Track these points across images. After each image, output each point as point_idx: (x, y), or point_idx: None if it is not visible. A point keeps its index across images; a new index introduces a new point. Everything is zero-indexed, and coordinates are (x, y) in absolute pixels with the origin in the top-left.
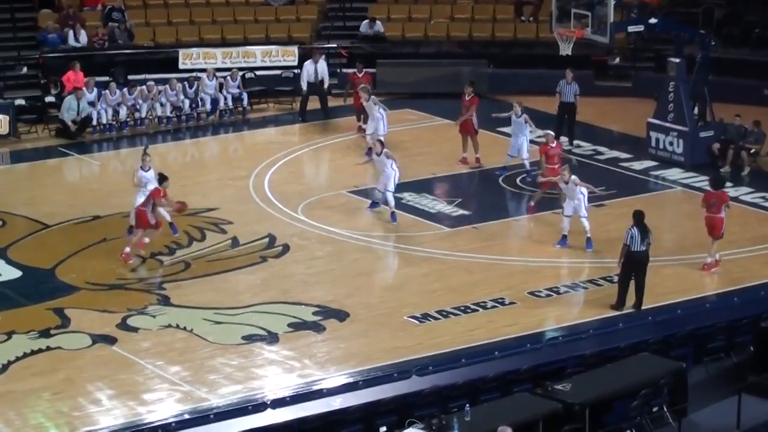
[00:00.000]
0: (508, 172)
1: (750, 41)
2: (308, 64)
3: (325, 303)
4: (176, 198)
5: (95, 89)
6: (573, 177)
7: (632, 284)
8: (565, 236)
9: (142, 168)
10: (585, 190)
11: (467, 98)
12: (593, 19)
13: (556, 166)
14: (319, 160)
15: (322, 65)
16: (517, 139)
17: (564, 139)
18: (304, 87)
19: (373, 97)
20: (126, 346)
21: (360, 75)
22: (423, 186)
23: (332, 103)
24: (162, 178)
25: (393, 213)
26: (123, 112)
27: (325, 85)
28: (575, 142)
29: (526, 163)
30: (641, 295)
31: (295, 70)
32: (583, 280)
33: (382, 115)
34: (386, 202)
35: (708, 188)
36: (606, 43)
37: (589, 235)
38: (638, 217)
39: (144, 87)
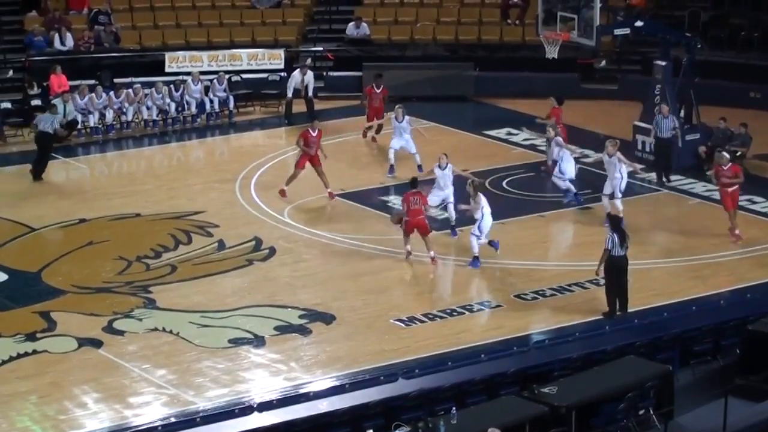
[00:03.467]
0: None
1: (736, 44)
2: (296, 74)
3: (312, 306)
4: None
5: (104, 94)
6: (618, 153)
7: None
8: (609, 214)
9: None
10: (625, 171)
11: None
12: (579, 22)
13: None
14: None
15: (309, 76)
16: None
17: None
18: (290, 94)
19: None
20: (112, 349)
21: (378, 90)
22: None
23: (318, 106)
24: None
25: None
26: (109, 115)
27: (310, 94)
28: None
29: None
30: (626, 299)
31: (282, 74)
32: (569, 283)
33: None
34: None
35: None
36: (592, 46)
37: (621, 214)
38: (615, 222)
39: (130, 90)
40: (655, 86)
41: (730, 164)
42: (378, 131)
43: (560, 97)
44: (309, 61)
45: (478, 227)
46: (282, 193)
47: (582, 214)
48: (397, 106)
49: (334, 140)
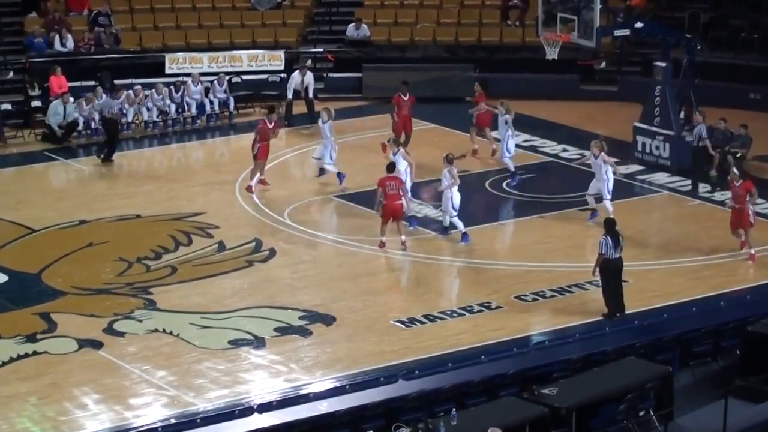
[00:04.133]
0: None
1: (736, 45)
2: (296, 75)
3: (312, 307)
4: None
5: (104, 95)
6: (602, 154)
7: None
8: (594, 210)
9: None
10: (611, 175)
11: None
12: (579, 24)
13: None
14: (305, 165)
15: (309, 77)
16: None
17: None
18: (290, 95)
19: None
20: (112, 350)
21: (406, 98)
22: (409, 190)
23: (319, 107)
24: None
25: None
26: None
27: (310, 95)
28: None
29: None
30: (622, 300)
31: (282, 75)
32: (569, 284)
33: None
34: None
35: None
36: (592, 48)
37: (611, 213)
38: (610, 225)
39: (130, 92)
40: (655, 87)
41: (741, 181)
42: (406, 144)
43: (484, 80)
44: (309, 62)
45: (452, 206)
46: (249, 189)
47: (583, 215)
48: (323, 108)
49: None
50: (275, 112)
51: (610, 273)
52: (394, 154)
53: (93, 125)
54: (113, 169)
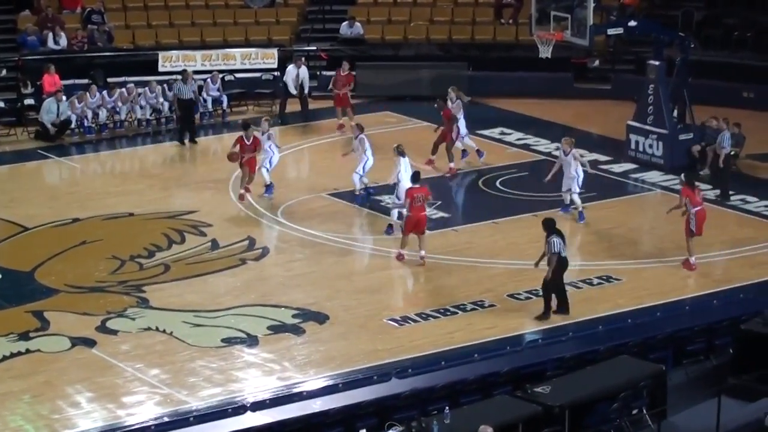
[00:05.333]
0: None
1: (729, 44)
2: (291, 69)
3: (305, 306)
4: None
5: (97, 93)
6: (573, 150)
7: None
8: (567, 205)
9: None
10: (581, 171)
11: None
12: (573, 22)
13: None
14: (298, 163)
15: (304, 71)
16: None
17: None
18: (294, 90)
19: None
20: (105, 348)
21: (451, 104)
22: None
23: (312, 105)
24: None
25: None
26: (102, 114)
27: (306, 91)
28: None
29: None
30: (566, 298)
31: (275, 73)
32: None
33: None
34: None
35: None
36: (585, 46)
37: (581, 209)
38: (551, 224)
39: (124, 89)
40: (648, 86)
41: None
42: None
43: (353, 64)
44: (303, 59)
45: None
46: (241, 197)
47: (575, 213)
48: (264, 119)
49: (327, 140)
50: (250, 128)
51: (561, 272)
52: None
53: (86, 123)
54: (106, 168)
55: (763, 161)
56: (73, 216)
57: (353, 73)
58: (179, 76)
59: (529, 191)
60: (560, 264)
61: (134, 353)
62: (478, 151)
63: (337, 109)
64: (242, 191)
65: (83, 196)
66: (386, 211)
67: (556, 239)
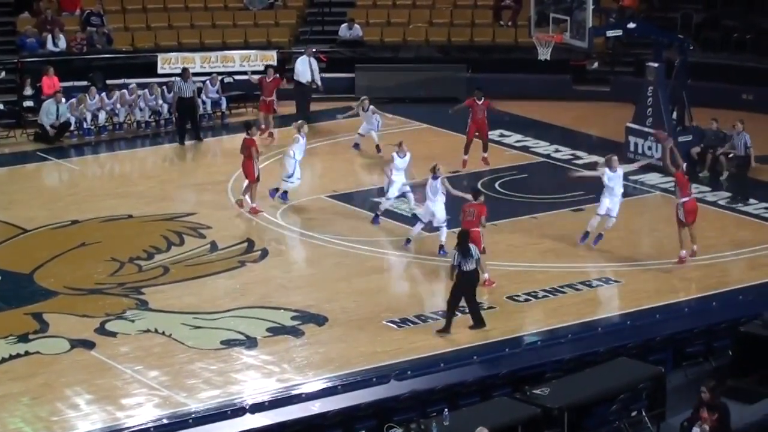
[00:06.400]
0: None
1: (728, 45)
2: (305, 58)
3: (304, 307)
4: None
5: (97, 95)
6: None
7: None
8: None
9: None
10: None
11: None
12: (572, 24)
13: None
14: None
15: (314, 63)
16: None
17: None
18: (318, 81)
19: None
20: (104, 350)
21: (480, 102)
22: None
23: (311, 107)
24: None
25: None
26: (102, 116)
27: (319, 83)
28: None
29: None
30: (479, 314)
31: (275, 75)
32: (561, 285)
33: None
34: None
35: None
36: (585, 48)
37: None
38: (461, 236)
39: (125, 90)
40: (647, 88)
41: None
42: (485, 149)
43: (277, 68)
44: (314, 50)
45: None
46: (254, 210)
47: (574, 215)
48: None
49: (327, 142)
50: (254, 125)
51: (463, 285)
52: (434, 178)
53: (85, 125)
54: (106, 170)
55: (763, 163)
56: (72, 218)
57: (278, 76)
58: (178, 77)
59: (528, 193)
60: (465, 278)
61: (133, 355)
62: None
63: (261, 114)
64: (254, 204)
65: (82, 198)
66: (409, 222)
67: (457, 252)
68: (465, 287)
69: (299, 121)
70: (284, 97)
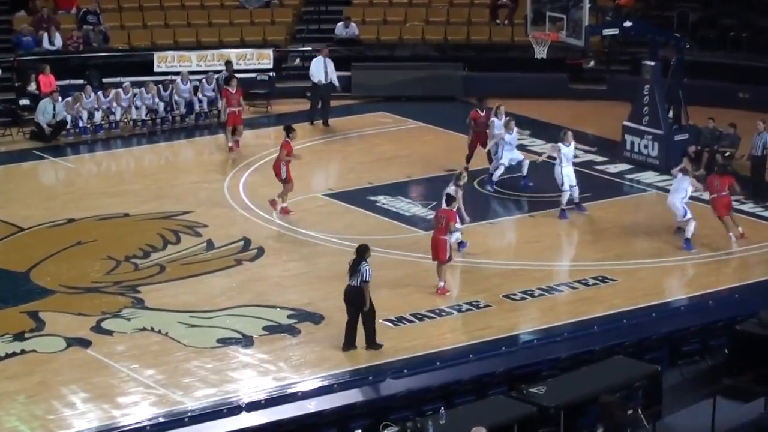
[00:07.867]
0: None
1: (725, 44)
2: (320, 59)
3: (300, 306)
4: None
5: (93, 94)
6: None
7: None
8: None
9: None
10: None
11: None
12: (568, 23)
13: None
14: (294, 163)
15: (331, 64)
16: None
17: None
18: (337, 83)
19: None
20: (101, 349)
21: (482, 113)
22: (398, 189)
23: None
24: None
25: None
26: (98, 115)
27: (336, 84)
28: None
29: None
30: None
31: (271, 74)
32: (557, 283)
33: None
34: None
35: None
36: (581, 47)
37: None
38: (362, 250)
39: (119, 90)
40: (644, 86)
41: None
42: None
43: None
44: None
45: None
46: (284, 211)
47: (572, 214)
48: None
49: (323, 140)
50: (294, 131)
51: (345, 299)
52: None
53: (81, 124)
54: (102, 168)
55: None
56: (69, 216)
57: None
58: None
59: (525, 192)
60: (346, 293)
61: (129, 354)
62: None
63: (229, 128)
64: (277, 198)
65: (78, 197)
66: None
67: (367, 267)
68: (345, 302)
69: (461, 173)
70: (299, 96)
